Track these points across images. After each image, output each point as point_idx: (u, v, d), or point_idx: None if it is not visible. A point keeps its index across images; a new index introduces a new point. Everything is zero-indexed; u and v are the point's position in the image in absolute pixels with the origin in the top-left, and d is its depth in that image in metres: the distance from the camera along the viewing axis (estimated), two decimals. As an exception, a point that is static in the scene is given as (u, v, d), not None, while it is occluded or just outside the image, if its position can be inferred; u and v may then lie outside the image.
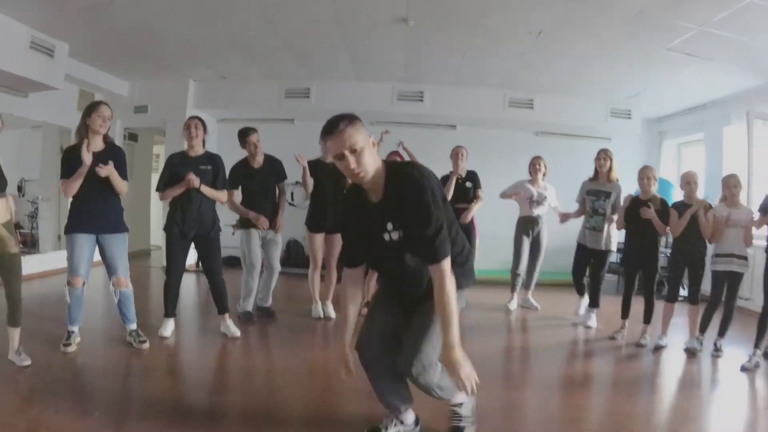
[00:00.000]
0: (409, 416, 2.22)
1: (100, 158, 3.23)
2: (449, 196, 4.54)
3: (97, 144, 3.29)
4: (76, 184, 3.19)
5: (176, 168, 3.64)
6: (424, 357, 1.90)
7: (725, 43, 4.05)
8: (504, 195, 5.01)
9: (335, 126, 1.77)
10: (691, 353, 3.73)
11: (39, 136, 6.34)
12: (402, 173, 1.84)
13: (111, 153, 3.33)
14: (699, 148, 6.54)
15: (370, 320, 2.13)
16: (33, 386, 2.75)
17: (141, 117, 6.59)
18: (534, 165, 4.96)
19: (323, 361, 3.58)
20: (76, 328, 3.37)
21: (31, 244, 6.58)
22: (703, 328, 3.80)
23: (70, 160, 3.24)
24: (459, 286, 1.89)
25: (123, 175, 3.37)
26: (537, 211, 4.94)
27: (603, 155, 4.44)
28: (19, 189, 6.51)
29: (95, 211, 3.27)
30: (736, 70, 4.77)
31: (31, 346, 3.11)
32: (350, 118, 1.81)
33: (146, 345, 3.44)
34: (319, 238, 4.35)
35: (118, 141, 6.78)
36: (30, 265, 5.69)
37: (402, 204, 1.81)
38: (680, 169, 6.88)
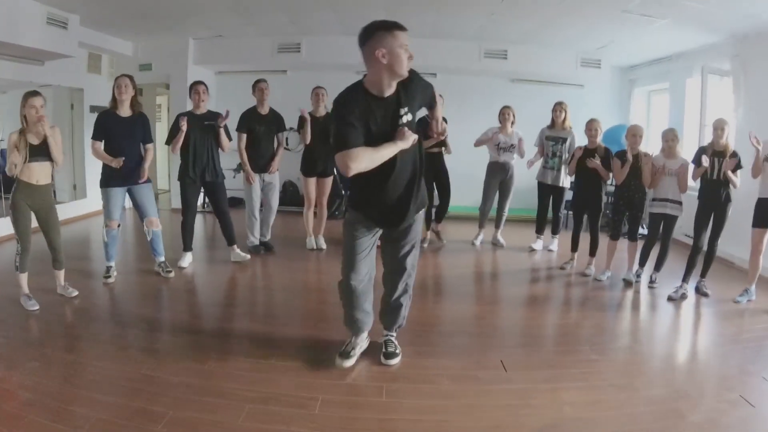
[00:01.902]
0: (365, 334, 2.77)
1: (127, 123, 3.90)
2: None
3: (125, 109, 3.92)
4: (102, 158, 3.87)
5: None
6: (411, 262, 2.61)
7: (677, 6, 4.36)
8: (478, 143, 5.43)
9: (403, 25, 2.21)
10: (627, 283, 4.28)
11: (50, 94, 6.72)
12: (412, 73, 2.35)
13: (137, 119, 3.99)
14: (666, 95, 6.79)
15: (357, 259, 2.50)
16: (87, 310, 3.47)
17: (146, 74, 6.99)
18: (504, 114, 5.34)
19: (317, 282, 4.39)
20: (113, 263, 4.09)
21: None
22: (642, 262, 4.32)
23: (100, 124, 3.90)
24: (423, 204, 2.56)
25: (147, 138, 4.06)
26: (504, 158, 5.38)
27: (558, 108, 5.09)
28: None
29: (124, 167, 3.88)
30: (693, 28, 5.05)
31: (77, 281, 3.80)
32: None
33: (172, 274, 4.20)
34: (312, 181, 5.00)
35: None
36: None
37: (413, 92, 2.34)
38: (650, 115, 7.37)
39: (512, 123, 5.40)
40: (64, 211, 6.29)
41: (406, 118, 2.31)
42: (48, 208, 3.49)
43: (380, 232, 2.56)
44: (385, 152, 2.22)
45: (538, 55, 6.74)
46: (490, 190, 5.56)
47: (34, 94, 3.31)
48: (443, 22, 5.82)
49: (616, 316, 3.74)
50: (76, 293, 3.64)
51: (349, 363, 2.63)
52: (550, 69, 6.90)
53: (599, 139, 4.53)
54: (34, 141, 3.32)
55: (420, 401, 2.32)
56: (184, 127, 4.17)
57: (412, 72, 2.33)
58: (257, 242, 4.99)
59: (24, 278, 3.41)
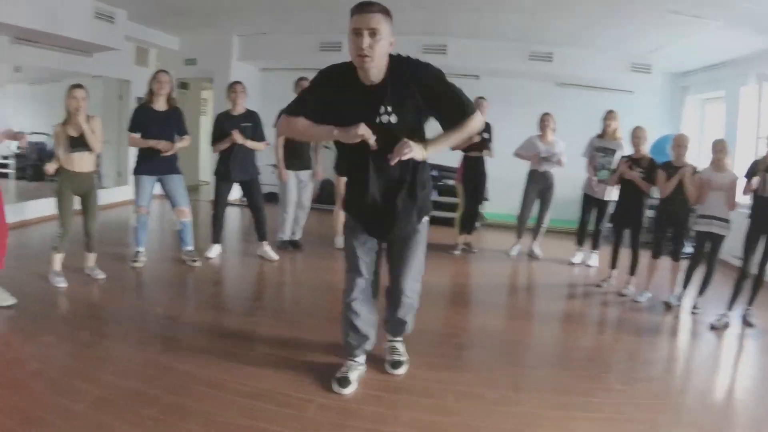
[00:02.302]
0: (364, 357, 2.50)
1: (163, 117, 4.04)
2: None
3: (161, 104, 4.06)
4: (141, 144, 4.01)
5: (223, 125, 4.36)
6: (411, 282, 2.29)
7: (728, 6, 4.09)
8: (517, 155, 5.25)
9: (369, 5, 1.82)
10: (667, 307, 3.94)
11: (99, 85, 6.97)
12: (408, 60, 1.93)
13: (172, 114, 4.11)
14: (722, 104, 6.35)
15: (358, 262, 2.26)
16: (110, 292, 3.61)
17: (191, 69, 7.20)
18: (544, 121, 5.15)
19: (342, 282, 4.29)
20: (142, 248, 4.24)
21: (97, 180, 7.46)
22: (686, 284, 4.00)
23: (137, 117, 4.06)
24: (427, 212, 2.21)
25: (183, 130, 4.17)
26: (544, 167, 5.17)
27: (610, 116, 4.84)
28: (83, 133, 7.33)
29: (157, 157, 4.04)
30: (748, 32, 4.73)
31: (107, 263, 3.97)
32: (387, 10, 1.85)
33: (198, 263, 4.28)
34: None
35: (172, 90, 7.53)
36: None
37: (404, 88, 1.89)
38: (704, 125, 6.94)
39: (553, 130, 5.19)
40: (108, 196, 6.60)
41: (387, 118, 1.94)
42: (89, 193, 3.66)
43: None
44: (317, 131, 2.04)
45: (585, 59, 6.46)
46: (529, 199, 5.35)
47: (77, 86, 3.49)
48: (485, 22, 5.68)
49: (650, 342, 3.39)
50: (102, 276, 3.77)
51: (347, 390, 2.31)
52: (597, 73, 6.61)
53: (645, 149, 4.26)
54: (74, 133, 3.49)
55: (417, 415, 2.20)
56: (239, 139, 4.25)
57: (398, 59, 1.93)
58: (286, 238, 5.00)
59: (58, 258, 3.59)
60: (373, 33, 1.81)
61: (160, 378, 2.35)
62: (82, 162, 3.55)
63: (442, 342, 3.08)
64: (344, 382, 2.34)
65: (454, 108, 1.98)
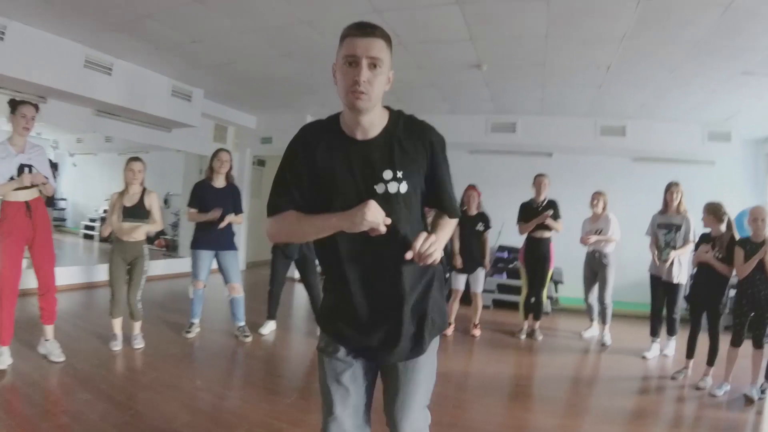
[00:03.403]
0: None
1: (220, 194, 4.19)
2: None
3: (220, 181, 4.24)
4: (198, 218, 4.14)
5: None
6: (414, 420, 1.59)
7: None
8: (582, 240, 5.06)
9: (371, 27, 1.37)
10: (749, 400, 3.47)
11: (181, 159, 7.67)
12: (411, 116, 1.51)
13: (229, 191, 4.27)
14: None
15: (335, 403, 1.55)
16: (157, 359, 3.65)
17: (267, 146, 7.60)
18: (591, 200, 4.99)
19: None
20: (196, 320, 4.31)
21: (172, 249, 7.93)
22: None
23: (196, 193, 4.24)
24: (440, 329, 1.57)
25: (238, 208, 4.29)
26: (592, 246, 4.92)
27: (674, 189, 4.45)
28: (166, 202, 7.83)
29: (214, 234, 4.15)
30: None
31: (162, 331, 4.07)
32: (389, 37, 1.41)
33: (249, 339, 4.25)
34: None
35: (248, 167, 7.93)
36: (170, 266, 6.96)
37: (413, 146, 1.44)
38: None
39: (603, 208, 4.95)
40: (184, 265, 6.87)
41: (395, 186, 1.42)
42: (137, 262, 3.77)
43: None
44: (310, 226, 1.43)
45: (660, 130, 6.13)
46: (586, 281, 5.10)
47: (135, 159, 3.74)
48: (552, 98, 5.59)
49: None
50: (140, 346, 3.80)
51: None
52: (674, 145, 6.22)
53: (722, 227, 3.85)
54: (128, 203, 3.70)
55: None
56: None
57: (398, 112, 1.50)
58: None
59: (116, 323, 3.74)
60: (374, 64, 1.36)
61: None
62: (132, 232, 3.70)
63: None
64: None
65: (448, 200, 1.55)
